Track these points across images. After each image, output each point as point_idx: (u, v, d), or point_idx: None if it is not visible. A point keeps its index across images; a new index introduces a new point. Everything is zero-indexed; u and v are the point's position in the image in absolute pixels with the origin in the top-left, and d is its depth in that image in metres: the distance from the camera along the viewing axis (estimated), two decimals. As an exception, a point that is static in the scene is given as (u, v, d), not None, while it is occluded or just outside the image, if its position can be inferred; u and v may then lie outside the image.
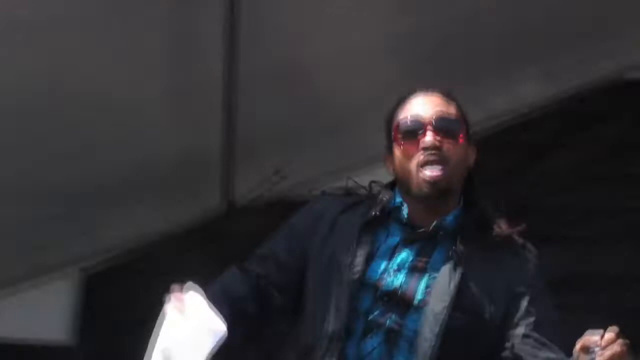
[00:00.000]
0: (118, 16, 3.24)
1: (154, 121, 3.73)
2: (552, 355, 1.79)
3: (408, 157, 1.85)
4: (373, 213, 1.89)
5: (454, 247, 1.83)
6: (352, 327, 1.82)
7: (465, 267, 1.81)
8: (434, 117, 1.85)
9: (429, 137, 1.83)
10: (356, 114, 3.88)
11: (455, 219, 1.88)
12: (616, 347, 1.58)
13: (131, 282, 4.01)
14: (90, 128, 3.63)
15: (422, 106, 1.89)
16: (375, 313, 1.81)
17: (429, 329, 1.78)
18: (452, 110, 1.90)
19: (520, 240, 1.90)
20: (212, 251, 3.98)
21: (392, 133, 1.91)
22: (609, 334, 1.59)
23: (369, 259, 1.84)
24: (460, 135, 1.88)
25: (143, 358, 3.91)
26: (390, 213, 1.90)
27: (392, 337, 1.81)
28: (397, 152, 1.89)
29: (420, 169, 1.83)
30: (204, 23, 3.49)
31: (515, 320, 1.81)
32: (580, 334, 3.71)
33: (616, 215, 3.89)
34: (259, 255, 2.01)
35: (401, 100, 1.95)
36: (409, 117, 1.88)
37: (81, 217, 3.95)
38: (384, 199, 1.91)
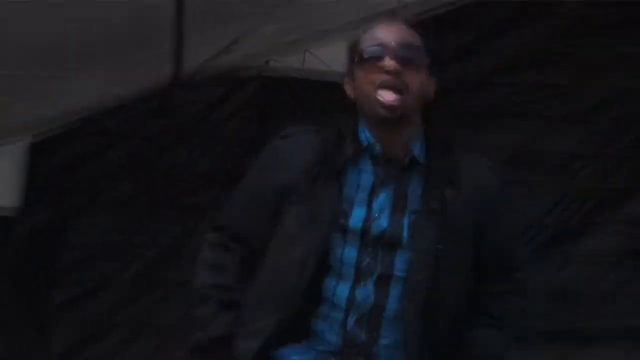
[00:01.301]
0: None
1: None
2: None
3: (368, 80, 1.90)
4: (346, 155, 1.91)
5: (427, 181, 1.90)
6: (341, 274, 1.86)
7: (441, 197, 1.87)
8: (397, 44, 1.89)
9: (389, 62, 1.87)
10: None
11: (421, 149, 1.92)
12: None
13: (79, 150, 4.04)
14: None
15: (386, 33, 1.93)
16: (366, 260, 1.86)
17: (421, 267, 1.85)
18: (415, 40, 1.93)
19: (484, 162, 1.98)
20: (161, 121, 4.05)
21: (356, 58, 1.95)
22: None
23: (347, 204, 1.88)
24: (421, 65, 1.91)
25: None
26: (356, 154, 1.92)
27: (383, 281, 1.85)
28: (358, 75, 1.93)
29: (378, 91, 1.87)
30: None
31: (486, 250, 1.92)
32: (533, 209, 3.83)
33: (568, 97, 3.95)
34: (235, 236, 2.01)
35: (367, 28, 1.99)
36: (372, 43, 1.92)
37: (30, 86, 3.91)
38: (349, 143, 1.93)
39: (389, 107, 1.86)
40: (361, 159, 1.91)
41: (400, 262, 1.86)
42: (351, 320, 1.85)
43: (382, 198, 1.88)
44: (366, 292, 1.85)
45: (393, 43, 1.90)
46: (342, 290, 1.85)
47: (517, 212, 2.04)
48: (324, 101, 3.94)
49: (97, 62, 3.90)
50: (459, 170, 1.91)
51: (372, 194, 1.88)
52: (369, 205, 1.88)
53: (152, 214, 4.01)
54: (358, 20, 3.83)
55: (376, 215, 1.87)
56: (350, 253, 1.86)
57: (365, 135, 1.93)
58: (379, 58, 1.89)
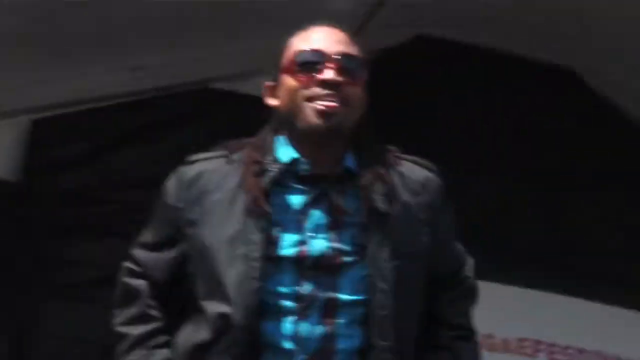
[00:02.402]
0: None
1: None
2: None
3: (301, 88, 1.67)
4: (271, 174, 1.67)
5: (364, 192, 1.67)
6: (280, 311, 1.60)
7: (384, 206, 1.66)
8: (338, 54, 1.68)
9: (330, 73, 1.65)
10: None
11: (353, 162, 1.71)
12: None
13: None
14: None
15: (325, 40, 1.71)
16: (306, 288, 1.61)
17: (380, 288, 1.62)
18: (355, 50, 1.72)
19: (423, 165, 1.80)
20: None
21: (286, 62, 1.72)
22: None
23: (275, 230, 1.64)
24: (361, 78, 1.71)
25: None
26: (283, 175, 1.69)
27: (329, 310, 1.62)
28: (289, 82, 1.69)
29: (313, 103, 1.65)
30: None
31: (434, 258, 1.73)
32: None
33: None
34: (141, 272, 1.79)
35: (301, 30, 1.76)
36: (310, 48, 1.70)
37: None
38: (273, 163, 1.69)
39: (326, 114, 1.64)
40: (286, 177, 1.68)
41: (346, 285, 1.63)
42: None
43: (317, 216, 1.66)
44: (312, 325, 1.61)
45: (334, 52, 1.69)
46: (285, 330, 1.61)
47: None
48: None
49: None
50: (399, 177, 1.72)
51: (303, 214, 1.66)
52: (301, 227, 1.65)
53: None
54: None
55: (311, 236, 1.64)
56: (286, 284, 1.62)
57: (289, 151, 1.70)
58: (316, 66, 1.67)
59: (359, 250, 1.64)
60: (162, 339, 1.73)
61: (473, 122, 4.28)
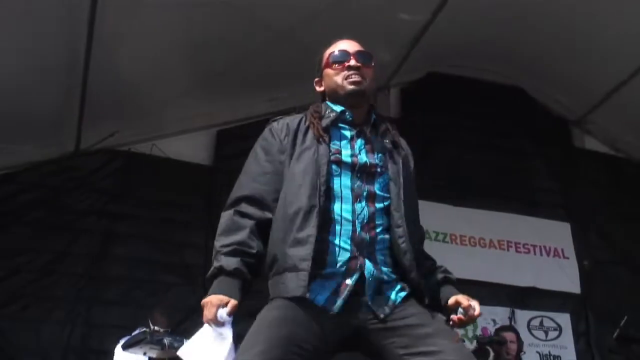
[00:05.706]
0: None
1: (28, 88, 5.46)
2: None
3: (337, 74, 2.43)
4: (329, 119, 2.40)
5: (383, 133, 2.45)
6: (342, 197, 2.29)
7: (393, 144, 2.45)
8: (356, 51, 2.47)
9: (353, 61, 2.43)
10: (161, 105, 6.17)
11: (375, 118, 2.49)
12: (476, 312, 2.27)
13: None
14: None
15: (347, 45, 2.50)
16: (357, 184, 2.31)
17: (397, 187, 2.34)
18: (366, 49, 2.49)
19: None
20: (64, 175, 6.15)
21: (324, 62, 2.49)
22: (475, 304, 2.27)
23: (337, 147, 2.35)
24: (371, 65, 2.48)
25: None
26: (336, 119, 2.42)
27: (370, 199, 2.31)
28: (329, 72, 2.46)
29: (346, 79, 2.42)
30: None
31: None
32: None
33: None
34: (252, 199, 2.36)
35: (330, 44, 2.52)
36: (339, 50, 2.48)
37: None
38: (329, 113, 2.43)
39: (356, 83, 2.39)
40: (339, 122, 2.43)
41: (378, 185, 2.34)
42: (357, 229, 2.25)
43: (360, 143, 2.39)
44: (362, 206, 2.28)
45: (354, 50, 2.45)
46: (347, 208, 2.27)
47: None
48: (167, 174, 6.16)
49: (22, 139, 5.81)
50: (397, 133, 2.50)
51: (352, 141, 2.40)
52: (352, 147, 2.38)
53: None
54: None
55: (358, 153, 2.37)
56: (345, 180, 2.31)
57: (338, 107, 2.43)
58: (344, 60, 2.42)
59: (383, 165, 2.39)
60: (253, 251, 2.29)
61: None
